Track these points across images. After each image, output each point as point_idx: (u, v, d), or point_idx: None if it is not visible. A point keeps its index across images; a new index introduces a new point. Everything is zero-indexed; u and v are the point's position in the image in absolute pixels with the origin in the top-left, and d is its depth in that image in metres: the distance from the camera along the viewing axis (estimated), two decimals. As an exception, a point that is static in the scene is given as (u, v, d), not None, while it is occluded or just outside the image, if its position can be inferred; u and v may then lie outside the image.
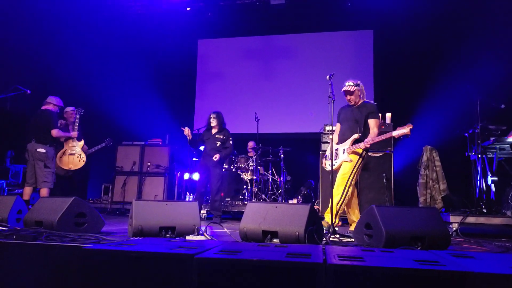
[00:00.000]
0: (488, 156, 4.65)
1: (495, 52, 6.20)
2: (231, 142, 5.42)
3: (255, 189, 6.38)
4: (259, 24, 8.28)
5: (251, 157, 6.70)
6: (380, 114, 4.14)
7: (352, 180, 3.85)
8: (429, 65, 6.99)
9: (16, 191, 6.36)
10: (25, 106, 5.57)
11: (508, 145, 4.44)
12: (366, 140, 3.84)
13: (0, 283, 2.34)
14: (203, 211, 5.76)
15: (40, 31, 7.28)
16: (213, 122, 5.38)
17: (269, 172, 6.91)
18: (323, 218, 3.91)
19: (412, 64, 7.14)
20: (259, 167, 6.67)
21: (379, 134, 3.94)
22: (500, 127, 4.66)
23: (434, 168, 5.01)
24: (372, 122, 3.97)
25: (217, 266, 1.74)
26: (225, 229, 3.67)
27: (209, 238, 3.06)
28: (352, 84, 3.99)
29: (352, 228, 3.85)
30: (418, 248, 2.51)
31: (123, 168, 6.78)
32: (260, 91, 8.24)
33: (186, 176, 6.94)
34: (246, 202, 6.00)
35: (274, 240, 2.72)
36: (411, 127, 3.70)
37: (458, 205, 4.78)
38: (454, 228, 3.91)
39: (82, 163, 5.72)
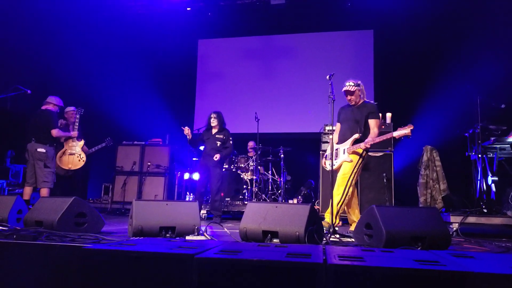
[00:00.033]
0: (489, 156, 4.65)
1: (495, 52, 6.19)
2: (231, 142, 5.43)
3: (255, 189, 6.38)
4: (259, 24, 8.28)
5: (251, 157, 6.70)
6: (380, 114, 4.14)
7: (352, 180, 3.85)
8: (429, 65, 6.99)
9: (16, 191, 6.37)
10: (26, 106, 5.57)
11: (509, 145, 4.44)
12: (366, 140, 3.84)
13: (0, 283, 2.34)
14: (203, 211, 5.76)
15: (40, 31, 7.28)
16: (214, 122, 5.38)
17: (269, 172, 6.91)
18: (323, 218, 3.91)
19: (412, 64, 7.14)
20: (259, 167, 6.67)
21: (380, 134, 3.94)
22: (500, 127, 4.66)
23: (435, 168, 5.01)
24: (372, 122, 3.96)
25: (217, 266, 1.73)
26: (225, 229, 3.67)
27: (209, 238, 3.06)
28: (353, 84, 3.99)
29: (352, 228, 3.85)
30: (418, 248, 2.51)
31: (123, 168, 6.78)
32: (260, 91, 8.24)
33: (186, 176, 6.94)
34: (246, 202, 6.00)
35: (274, 240, 2.72)
36: (412, 128, 3.70)
37: (458, 205, 4.77)
38: (455, 228, 3.91)
39: (82, 163, 5.72)
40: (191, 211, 3.15)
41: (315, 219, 2.76)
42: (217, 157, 5.16)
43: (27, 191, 5.15)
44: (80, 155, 5.70)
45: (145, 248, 1.91)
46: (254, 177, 6.43)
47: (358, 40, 7.93)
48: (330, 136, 4.09)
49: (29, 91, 5.13)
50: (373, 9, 7.30)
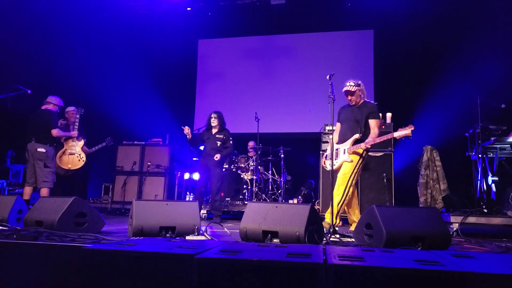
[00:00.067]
0: (489, 156, 4.65)
1: (495, 52, 6.19)
2: (231, 142, 5.43)
3: (255, 189, 6.38)
4: (259, 24, 8.28)
5: (251, 157, 6.70)
6: (380, 114, 4.14)
7: (352, 180, 3.85)
8: (429, 65, 6.99)
9: (17, 190, 6.37)
10: (26, 106, 5.57)
11: (509, 145, 4.44)
12: (367, 140, 3.84)
13: (0, 283, 2.34)
14: (203, 211, 5.76)
15: (40, 31, 7.28)
16: (214, 122, 5.38)
17: (270, 172, 6.90)
18: (323, 218, 3.91)
19: (412, 64, 7.13)
20: (259, 167, 6.67)
21: (380, 134, 3.94)
22: (500, 127, 4.66)
23: (435, 168, 5.01)
24: (372, 122, 3.96)
25: (217, 266, 1.73)
26: (225, 229, 3.67)
27: (209, 238, 3.06)
28: (353, 84, 3.98)
29: (352, 228, 3.85)
30: (419, 248, 2.51)
31: (124, 168, 6.78)
32: (260, 91, 8.24)
33: (186, 176, 6.94)
34: (246, 202, 5.99)
35: (274, 240, 2.72)
36: (412, 129, 3.69)
37: (458, 205, 4.77)
38: (455, 228, 3.91)
39: (81, 163, 5.72)
40: (191, 211, 3.15)
41: (315, 219, 2.76)
42: (217, 157, 5.16)
43: (27, 191, 5.15)
44: (80, 155, 5.70)
45: (145, 248, 1.91)
46: (254, 177, 6.43)
47: (358, 40, 7.93)
48: (330, 136, 4.08)
49: (29, 91, 5.13)
50: (373, 9, 7.30)
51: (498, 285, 1.54)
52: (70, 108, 5.92)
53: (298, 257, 1.74)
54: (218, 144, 5.32)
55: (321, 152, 5.60)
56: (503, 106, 4.66)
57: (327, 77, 3.62)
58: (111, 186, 6.78)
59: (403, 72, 7.18)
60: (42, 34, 7.31)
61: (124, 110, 7.77)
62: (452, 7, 6.79)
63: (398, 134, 3.76)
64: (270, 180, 6.85)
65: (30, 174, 5.13)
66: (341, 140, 4.07)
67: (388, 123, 5.44)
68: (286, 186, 6.78)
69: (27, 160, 5.17)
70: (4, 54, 6.58)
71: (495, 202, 4.40)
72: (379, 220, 2.59)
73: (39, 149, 5.09)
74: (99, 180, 7.49)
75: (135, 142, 6.97)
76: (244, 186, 6.44)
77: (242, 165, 6.53)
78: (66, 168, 5.63)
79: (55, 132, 5.19)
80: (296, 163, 7.30)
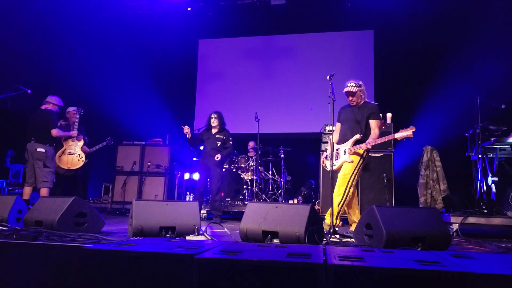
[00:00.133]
0: (489, 156, 4.65)
1: (495, 52, 6.19)
2: (231, 142, 5.44)
3: (255, 189, 6.38)
4: (259, 24, 8.28)
5: (252, 157, 6.70)
6: (380, 114, 4.14)
7: (353, 180, 3.84)
8: (429, 65, 6.99)
9: (16, 190, 6.37)
10: (26, 106, 5.57)
11: (509, 146, 4.44)
12: (368, 141, 3.83)
13: (0, 283, 2.33)
14: (203, 211, 5.76)
15: (40, 31, 7.28)
16: (214, 122, 5.38)
17: (270, 172, 6.90)
18: (323, 219, 3.91)
19: (412, 64, 7.13)
20: (259, 167, 6.67)
21: (380, 134, 3.94)
22: (500, 128, 4.65)
23: (435, 168, 5.01)
24: (373, 123, 3.96)
25: (217, 266, 1.73)
26: (225, 229, 3.67)
27: (209, 238, 3.06)
28: (354, 84, 3.97)
29: (352, 228, 3.85)
30: (419, 249, 2.51)
31: (124, 168, 6.78)
32: (260, 91, 8.24)
33: (186, 176, 6.94)
34: (246, 202, 5.99)
35: (275, 240, 2.72)
36: (414, 130, 3.67)
37: (458, 205, 4.77)
38: (455, 229, 3.90)
39: (81, 163, 5.72)
40: (191, 211, 3.15)
41: (315, 219, 2.76)
42: (218, 157, 5.16)
43: (27, 191, 5.15)
44: (79, 155, 5.70)
45: (145, 248, 1.91)
46: (254, 177, 6.43)
47: (358, 40, 7.93)
48: (330, 136, 4.08)
49: (29, 91, 5.13)
50: (373, 9, 7.30)
51: (498, 286, 1.54)
52: (71, 108, 5.93)
53: (298, 257, 1.74)
54: (218, 144, 5.33)
55: (321, 152, 5.60)
56: (503, 106, 4.66)
57: (327, 77, 3.62)
58: (111, 186, 6.77)
59: (403, 72, 7.18)
60: (42, 34, 7.31)
61: (124, 110, 7.77)
62: (452, 7, 6.79)
63: (399, 135, 3.75)
64: (270, 180, 6.85)
65: (29, 174, 5.13)
66: (341, 140, 4.06)
67: (388, 124, 5.44)
68: (286, 186, 6.78)
69: (27, 160, 5.17)
70: (4, 54, 6.58)
71: (495, 203, 4.40)
72: (379, 220, 2.59)
73: (38, 149, 5.09)
74: (99, 180, 7.49)
75: (135, 142, 6.97)
76: (244, 186, 6.44)
77: (242, 165, 6.53)
78: (65, 168, 5.63)
79: (54, 132, 5.19)
80: (296, 163, 7.30)
